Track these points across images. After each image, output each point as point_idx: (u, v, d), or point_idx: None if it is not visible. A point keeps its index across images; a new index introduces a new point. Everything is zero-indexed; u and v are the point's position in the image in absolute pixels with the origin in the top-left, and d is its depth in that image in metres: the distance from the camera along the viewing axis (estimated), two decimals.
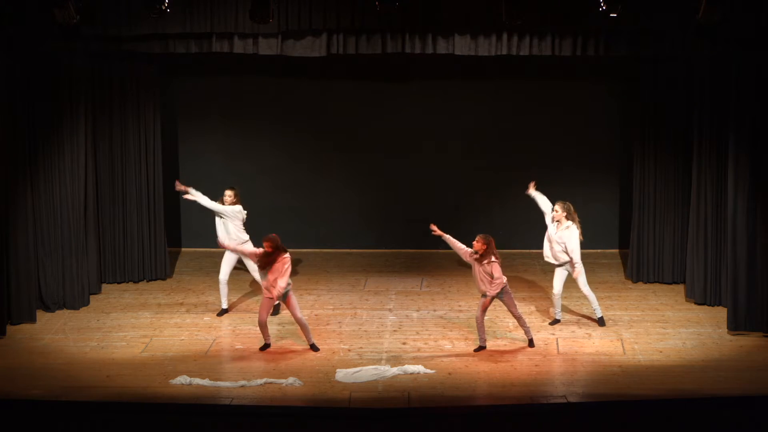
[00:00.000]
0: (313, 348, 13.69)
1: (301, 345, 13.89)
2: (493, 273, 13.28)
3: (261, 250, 13.52)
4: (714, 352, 13.76)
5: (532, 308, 15.27)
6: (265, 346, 13.74)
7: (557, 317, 14.61)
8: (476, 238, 13.42)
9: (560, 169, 17.64)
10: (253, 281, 15.80)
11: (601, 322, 14.49)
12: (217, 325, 14.69)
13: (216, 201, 14.98)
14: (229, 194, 14.96)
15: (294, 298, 13.57)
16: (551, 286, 14.75)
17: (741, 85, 14.05)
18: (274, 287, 13.40)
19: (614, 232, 17.92)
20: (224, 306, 15.04)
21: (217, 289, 15.24)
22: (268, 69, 17.15)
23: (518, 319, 13.73)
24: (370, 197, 18.01)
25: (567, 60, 15.25)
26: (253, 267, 14.86)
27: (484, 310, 13.56)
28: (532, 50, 14.68)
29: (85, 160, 15.41)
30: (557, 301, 14.55)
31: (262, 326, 13.65)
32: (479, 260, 13.38)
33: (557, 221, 14.26)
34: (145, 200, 16.25)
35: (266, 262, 13.47)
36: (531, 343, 13.77)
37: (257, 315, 13.79)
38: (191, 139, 17.86)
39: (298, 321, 13.65)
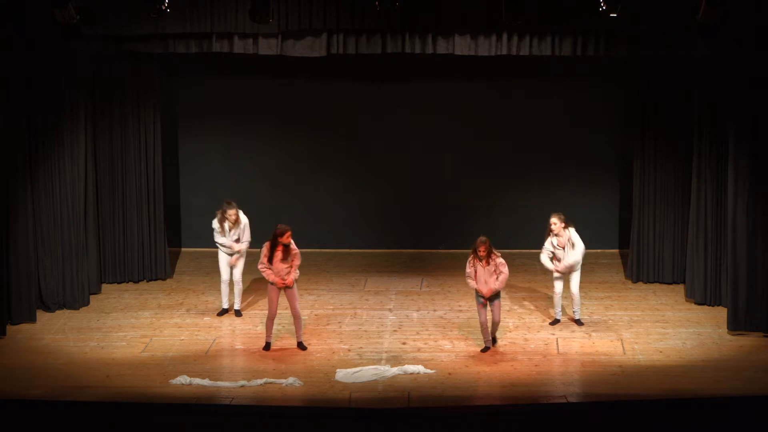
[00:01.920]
0: (300, 346, 13.72)
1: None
2: (500, 264, 13.39)
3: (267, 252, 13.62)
4: (714, 352, 13.76)
5: (532, 308, 15.27)
6: (268, 346, 13.71)
7: (557, 317, 14.59)
8: (479, 247, 13.40)
9: (560, 169, 17.64)
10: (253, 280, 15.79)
11: (578, 322, 14.49)
12: (217, 325, 14.68)
13: (217, 216, 14.92)
14: (232, 213, 14.78)
15: (296, 291, 13.71)
16: (551, 287, 14.73)
17: (741, 85, 14.05)
18: (288, 275, 13.51)
19: (614, 232, 17.91)
20: (225, 306, 15.02)
21: (217, 289, 15.24)
22: (268, 69, 17.15)
23: (495, 324, 13.68)
24: (370, 197, 18.00)
25: (567, 60, 15.24)
26: (240, 269, 14.89)
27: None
28: (532, 50, 14.68)
29: (85, 160, 15.41)
30: (558, 300, 14.53)
31: (271, 321, 13.64)
32: (488, 262, 13.43)
33: (557, 234, 14.19)
34: (145, 200, 16.24)
35: (286, 253, 13.59)
36: (493, 342, 13.77)
37: (253, 312, 13.79)
38: (191, 139, 17.86)
39: (296, 314, 13.68)
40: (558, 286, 14.43)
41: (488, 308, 13.58)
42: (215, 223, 14.87)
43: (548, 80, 17.37)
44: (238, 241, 14.85)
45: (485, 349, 13.66)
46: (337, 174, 17.93)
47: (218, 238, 14.87)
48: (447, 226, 17.95)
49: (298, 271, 13.70)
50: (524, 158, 17.72)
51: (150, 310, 15.29)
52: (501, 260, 13.50)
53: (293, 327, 14.03)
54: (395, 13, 13.92)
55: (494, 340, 13.79)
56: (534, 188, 17.73)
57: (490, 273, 13.45)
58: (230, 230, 14.79)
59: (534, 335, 14.27)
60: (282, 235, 13.56)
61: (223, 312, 14.98)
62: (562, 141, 17.64)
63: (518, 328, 14.51)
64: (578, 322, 14.47)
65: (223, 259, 14.93)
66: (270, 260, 13.58)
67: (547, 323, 14.60)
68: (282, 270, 13.58)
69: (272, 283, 13.57)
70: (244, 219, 14.86)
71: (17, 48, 14.37)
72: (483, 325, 13.61)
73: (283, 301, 13.74)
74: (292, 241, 13.67)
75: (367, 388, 12.68)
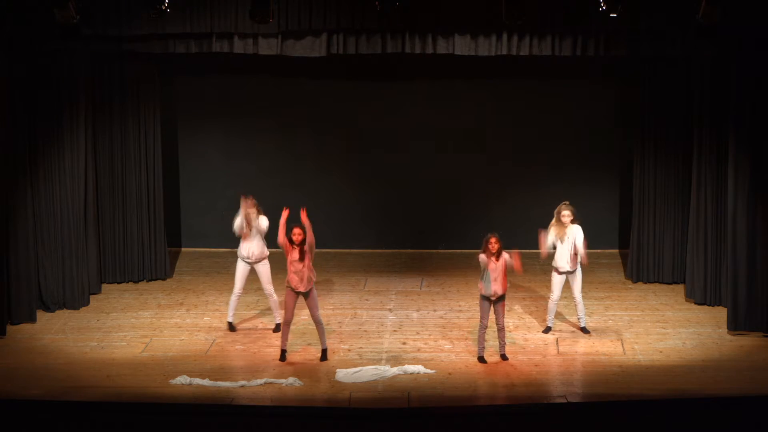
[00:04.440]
0: (323, 355, 13.45)
1: (301, 346, 13.89)
2: (509, 259, 13.17)
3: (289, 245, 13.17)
4: (714, 352, 13.76)
5: (532, 308, 15.26)
6: (283, 355, 13.38)
7: (549, 324, 14.37)
8: (491, 242, 13.13)
9: (560, 168, 17.64)
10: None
11: (584, 330, 14.32)
12: (217, 325, 14.66)
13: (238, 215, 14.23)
14: (251, 203, 14.19)
15: (314, 293, 13.35)
16: (549, 291, 14.51)
17: (741, 85, 14.05)
18: (303, 278, 13.10)
19: (614, 232, 17.92)
20: (230, 319, 14.45)
21: (218, 289, 15.20)
22: (268, 69, 17.15)
23: (501, 329, 13.43)
24: (370, 197, 18.00)
25: (567, 60, 15.24)
26: (266, 278, 14.33)
27: (488, 316, 13.34)
28: (532, 50, 14.68)
29: (85, 160, 15.40)
30: (552, 307, 14.31)
31: (287, 326, 13.31)
32: (497, 258, 13.19)
33: (564, 225, 13.98)
34: (145, 200, 16.24)
35: (301, 252, 13.12)
36: (504, 357, 13.43)
37: (254, 312, 13.69)
38: (191, 139, 17.85)
39: (317, 321, 13.42)
40: (556, 292, 14.16)
41: (492, 312, 13.35)
42: (236, 222, 14.21)
43: (548, 80, 17.37)
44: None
45: (481, 359, 13.41)
46: (337, 174, 17.93)
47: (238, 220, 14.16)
48: (447, 226, 17.95)
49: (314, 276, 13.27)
50: (524, 158, 17.72)
51: (150, 310, 15.29)
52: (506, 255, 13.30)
53: (294, 327, 13.98)
54: (395, 13, 13.92)
55: (504, 356, 13.43)
56: (534, 188, 17.72)
57: (500, 270, 13.19)
58: (249, 226, 14.09)
59: (534, 335, 14.27)
60: (292, 234, 13.12)
61: (230, 326, 14.46)
62: (562, 141, 17.64)
63: (518, 328, 14.51)
64: (584, 330, 14.27)
65: (241, 269, 14.33)
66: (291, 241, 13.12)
67: (546, 323, 14.56)
68: (300, 271, 13.16)
69: (291, 288, 13.19)
70: (264, 218, 14.27)
71: (17, 48, 14.37)
72: (483, 331, 13.39)
73: (301, 304, 13.47)
74: (308, 234, 13.14)
75: (367, 388, 12.68)
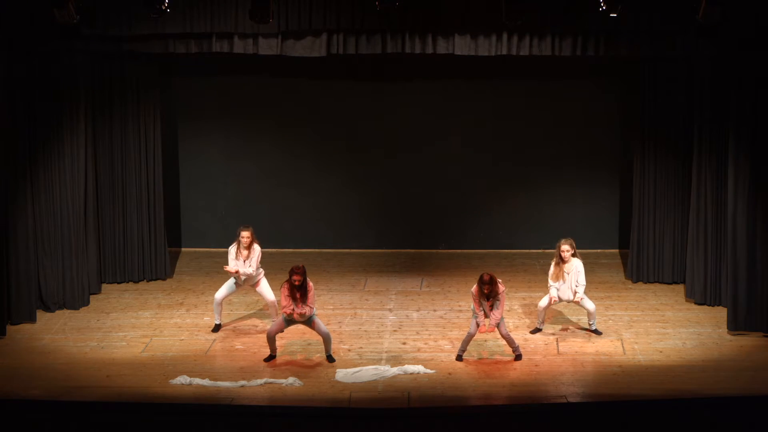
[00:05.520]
0: (330, 358, 13.46)
1: (301, 346, 13.88)
2: (496, 309, 13.15)
3: (285, 288, 13.14)
4: (714, 352, 13.76)
5: (533, 308, 15.24)
6: (270, 357, 13.46)
7: (539, 326, 14.36)
8: (484, 286, 13.06)
9: (560, 168, 17.64)
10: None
11: (597, 332, 14.29)
12: None
13: (233, 245, 14.26)
14: (245, 235, 14.14)
15: (317, 319, 13.34)
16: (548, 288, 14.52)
17: (741, 85, 14.05)
18: (301, 311, 13.07)
19: (614, 232, 17.91)
20: (217, 322, 14.53)
21: (217, 289, 15.17)
22: (268, 69, 17.15)
23: (505, 337, 13.44)
24: (370, 197, 17.99)
25: (567, 60, 15.25)
26: (268, 295, 14.37)
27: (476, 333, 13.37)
28: (532, 50, 14.69)
29: (85, 160, 15.41)
30: (541, 313, 14.29)
31: (270, 339, 13.35)
32: (487, 299, 13.22)
33: (564, 261, 13.90)
34: (145, 200, 16.23)
35: (298, 294, 13.09)
36: (518, 357, 13.45)
37: (253, 311, 13.70)
38: (191, 139, 17.85)
39: (323, 335, 13.38)
40: (545, 299, 14.08)
41: (484, 323, 13.33)
42: (231, 249, 14.27)
43: (548, 80, 17.37)
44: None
45: (459, 358, 13.42)
46: (337, 174, 17.92)
47: (231, 264, 14.20)
48: (447, 226, 17.95)
49: (314, 309, 13.25)
50: (524, 158, 17.71)
51: (150, 310, 15.29)
52: (502, 288, 13.25)
53: (294, 326, 13.99)
54: (395, 13, 13.93)
55: (518, 357, 13.44)
56: (534, 188, 17.73)
57: (486, 308, 13.22)
58: (244, 260, 14.14)
59: (534, 335, 14.26)
60: (291, 274, 13.04)
61: (217, 328, 14.49)
62: (562, 141, 17.64)
63: (518, 328, 14.50)
64: (596, 332, 14.25)
65: (230, 283, 14.37)
66: (293, 300, 13.08)
67: (545, 324, 14.54)
68: (300, 314, 13.17)
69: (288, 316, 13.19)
70: (257, 248, 14.25)
71: (17, 48, 14.37)
72: (469, 337, 13.37)
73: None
74: (309, 282, 13.14)
75: (367, 388, 12.68)
